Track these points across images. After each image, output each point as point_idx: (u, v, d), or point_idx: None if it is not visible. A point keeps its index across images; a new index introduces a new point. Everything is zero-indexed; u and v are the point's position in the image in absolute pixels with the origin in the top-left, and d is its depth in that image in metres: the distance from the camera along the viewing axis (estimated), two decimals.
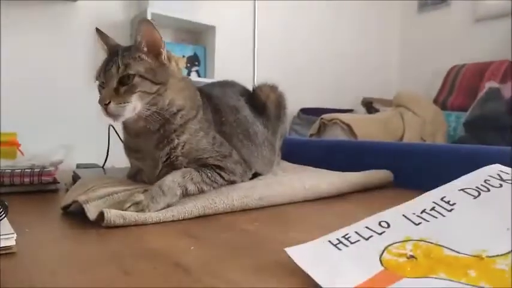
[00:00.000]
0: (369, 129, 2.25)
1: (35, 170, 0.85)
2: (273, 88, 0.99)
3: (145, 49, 0.71)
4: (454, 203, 0.52)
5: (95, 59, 2.35)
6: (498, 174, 0.55)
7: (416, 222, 0.50)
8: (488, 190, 0.53)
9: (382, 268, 0.45)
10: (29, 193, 0.84)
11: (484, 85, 2.38)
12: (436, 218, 0.50)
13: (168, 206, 0.63)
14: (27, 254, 0.45)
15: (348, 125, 2.23)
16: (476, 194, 0.53)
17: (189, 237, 0.53)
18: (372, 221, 0.51)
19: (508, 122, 1.99)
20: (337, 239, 0.49)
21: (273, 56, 2.86)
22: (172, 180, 0.66)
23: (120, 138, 0.84)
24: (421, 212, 0.52)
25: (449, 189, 0.54)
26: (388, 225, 0.51)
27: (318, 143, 1.28)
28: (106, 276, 0.39)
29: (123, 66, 0.68)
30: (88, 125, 2.01)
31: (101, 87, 0.70)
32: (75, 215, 0.62)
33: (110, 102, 0.66)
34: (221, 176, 0.74)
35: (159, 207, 0.61)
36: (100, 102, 0.67)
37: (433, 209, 0.52)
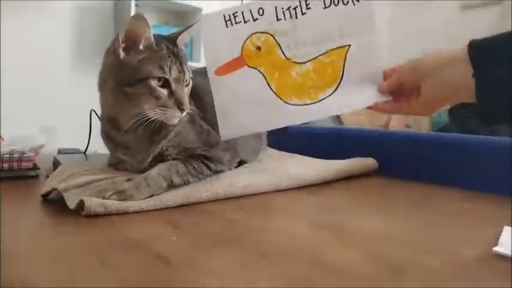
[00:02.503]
0: (354, 116, 2.25)
1: (14, 155, 0.83)
2: None
3: None
4: (309, 7, 0.60)
5: (76, 41, 2.30)
6: None
7: (279, 17, 0.60)
8: (336, 4, 0.60)
9: (240, 54, 0.59)
10: (8, 179, 0.82)
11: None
12: (291, 18, 0.60)
13: (152, 196, 0.61)
14: (4, 244, 0.44)
15: None
16: (328, 3, 0.60)
17: (171, 226, 0.52)
18: (255, 5, 0.60)
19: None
20: (229, 15, 0.59)
21: None
22: (158, 174, 0.64)
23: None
24: (287, 9, 0.60)
25: None
26: (263, 14, 0.60)
27: (302, 131, 1.27)
28: (84, 268, 0.38)
29: (188, 72, 0.68)
30: (70, 108, 1.97)
31: (167, 83, 0.65)
32: (55, 202, 0.61)
33: None
34: (208, 167, 0.73)
35: (143, 197, 0.60)
36: (186, 107, 0.65)
37: (295, 8, 0.60)
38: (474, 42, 0.54)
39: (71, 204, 0.56)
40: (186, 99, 0.67)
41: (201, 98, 0.79)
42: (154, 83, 0.64)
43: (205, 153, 0.74)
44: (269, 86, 0.61)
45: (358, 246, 0.47)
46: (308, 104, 0.61)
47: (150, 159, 0.71)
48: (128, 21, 0.63)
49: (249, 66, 0.60)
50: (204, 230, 0.52)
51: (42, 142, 1.00)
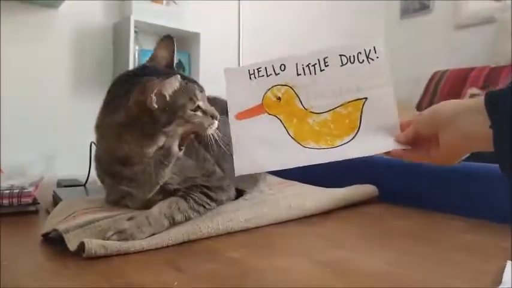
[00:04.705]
0: None
1: (14, 191, 0.83)
2: None
3: None
4: (328, 65, 0.66)
5: (77, 66, 2.32)
6: (371, 49, 0.65)
7: (299, 73, 0.66)
8: (353, 62, 0.65)
9: (260, 103, 0.65)
10: (8, 215, 0.81)
11: (466, 92, 2.42)
12: (310, 74, 0.65)
13: (153, 234, 0.61)
14: None
15: None
16: (345, 61, 0.65)
17: (173, 268, 0.52)
18: (278, 62, 0.66)
19: None
20: (253, 70, 0.66)
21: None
22: (159, 212, 0.64)
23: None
24: (306, 65, 0.66)
25: (332, 52, 0.67)
26: (284, 69, 0.66)
27: None
28: None
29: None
30: (70, 135, 1.97)
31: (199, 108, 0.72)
32: (55, 241, 0.61)
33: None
34: (209, 196, 0.73)
35: (144, 237, 0.60)
36: (217, 114, 0.74)
37: (314, 65, 0.66)
38: (491, 92, 0.54)
39: (72, 246, 0.56)
40: (213, 108, 0.75)
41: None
42: (190, 113, 0.69)
43: (205, 183, 0.75)
44: (287, 131, 0.65)
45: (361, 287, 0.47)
46: (325, 148, 0.64)
47: (158, 187, 0.71)
48: (166, 82, 0.65)
49: (269, 114, 0.65)
50: (206, 272, 0.51)
51: (41, 169, 1.00)
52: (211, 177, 0.77)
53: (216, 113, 0.74)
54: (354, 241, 0.68)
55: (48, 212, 0.80)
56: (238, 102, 0.66)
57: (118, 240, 0.58)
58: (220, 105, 0.96)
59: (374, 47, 0.64)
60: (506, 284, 0.45)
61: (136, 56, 2.31)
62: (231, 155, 0.85)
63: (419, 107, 2.70)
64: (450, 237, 0.68)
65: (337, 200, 0.86)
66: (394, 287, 0.47)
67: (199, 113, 0.71)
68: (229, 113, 0.67)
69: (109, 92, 0.72)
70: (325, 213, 0.82)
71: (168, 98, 0.66)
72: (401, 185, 0.98)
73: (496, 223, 0.72)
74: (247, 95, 0.66)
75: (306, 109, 0.65)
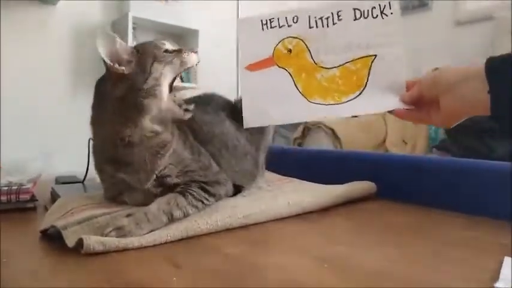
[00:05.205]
0: (352, 133, 2.26)
1: (12, 187, 0.83)
2: None
3: None
4: (341, 19, 0.66)
5: (75, 63, 2.32)
6: (386, 5, 0.66)
7: (311, 25, 0.66)
8: (366, 17, 0.66)
9: (271, 55, 0.66)
10: (6, 211, 0.81)
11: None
12: (322, 27, 0.66)
13: (152, 231, 0.61)
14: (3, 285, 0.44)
15: (331, 129, 2.24)
16: (358, 15, 0.66)
17: (171, 265, 0.52)
18: (291, 13, 0.67)
19: (487, 126, 2.03)
20: (266, 20, 0.68)
21: None
22: (158, 208, 0.64)
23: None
24: (319, 18, 0.67)
25: (346, 5, 0.67)
26: (297, 21, 0.66)
27: (300, 153, 1.28)
28: None
29: None
30: (68, 132, 1.97)
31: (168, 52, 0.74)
32: (53, 238, 0.61)
33: None
34: (206, 191, 0.73)
35: (143, 233, 0.60)
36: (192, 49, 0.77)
37: (327, 18, 0.66)
38: (492, 59, 0.56)
39: (70, 242, 0.56)
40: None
41: (201, 129, 0.80)
42: (161, 54, 0.71)
43: (203, 178, 0.75)
44: (295, 85, 0.67)
45: (358, 285, 0.46)
46: (331, 104, 0.66)
47: (154, 177, 0.71)
48: (98, 46, 0.67)
49: (279, 66, 0.67)
50: (204, 268, 0.51)
51: (40, 165, 1.00)
52: (207, 171, 0.77)
53: (192, 48, 0.76)
54: (353, 237, 0.68)
55: (46, 209, 0.80)
56: (249, 53, 0.69)
57: (116, 237, 0.58)
58: (217, 102, 0.96)
59: (389, 3, 0.65)
60: (505, 280, 0.45)
61: None
62: (227, 150, 0.85)
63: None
64: (449, 234, 0.68)
65: (336, 197, 0.86)
66: (392, 283, 0.47)
67: (172, 53, 0.73)
68: (239, 65, 0.68)
69: (95, 90, 0.75)
70: (324, 210, 0.82)
71: (127, 58, 0.69)
72: (399, 182, 0.98)
73: (495, 219, 0.72)
74: (259, 47, 0.69)
75: (315, 63, 0.66)
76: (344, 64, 0.65)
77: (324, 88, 0.66)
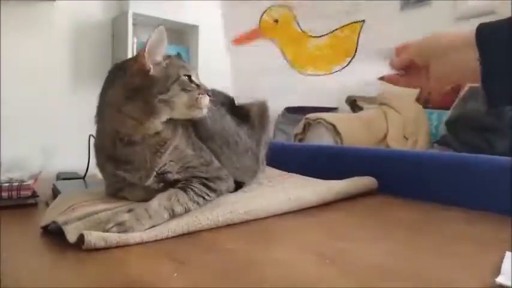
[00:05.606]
0: (353, 128, 2.26)
1: (13, 184, 0.83)
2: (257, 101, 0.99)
3: None
4: None
5: (75, 59, 2.31)
6: None
7: None
8: None
9: (257, 26, 0.62)
10: (7, 208, 0.81)
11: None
12: None
13: (153, 226, 0.61)
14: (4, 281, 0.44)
15: (332, 125, 2.23)
16: None
17: (172, 260, 0.52)
18: None
19: (488, 122, 2.02)
20: None
21: None
22: (159, 204, 0.64)
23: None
24: None
25: None
26: None
27: (301, 148, 1.27)
28: None
29: None
30: (69, 128, 1.97)
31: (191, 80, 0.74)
32: (54, 234, 0.61)
33: None
34: (208, 187, 0.73)
35: (143, 229, 0.60)
36: (209, 92, 0.75)
37: None
38: (482, 26, 0.55)
39: (71, 238, 0.56)
40: (204, 84, 0.76)
41: (202, 125, 0.80)
42: (184, 78, 0.71)
43: (204, 174, 0.75)
44: (284, 56, 0.68)
45: (359, 280, 0.46)
46: (322, 75, 0.66)
47: (154, 174, 0.71)
48: (152, 37, 0.68)
49: (266, 37, 0.67)
50: (205, 263, 0.51)
51: (41, 162, 1.00)
52: (209, 167, 0.77)
53: (208, 90, 0.75)
54: (354, 233, 0.68)
55: (47, 205, 0.80)
56: (234, 26, 0.68)
57: (117, 233, 0.57)
58: (217, 97, 0.95)
59: None
60: (505, 276, 0.45)
61: (135, 48, 2.30)
62: (229, 147, 0.85)
63: (419, 99, 2.69)
64: (450, 228, 0.68)
65: (337, 192, 0.86)
66: (394, 278, 0.47)
67: (193, 85, 0.73)
68: (225, 39, 0.67)
69: (107, 77, 0.73)
70: (325, 205, 0.82)
71: (163, 63, 0.70)
72: (401, 177, 0.98)
73: (496, 214, 0.72)
74: (244, 18, 0.67)
75: (304, 32, 0.65)
76: (333, 31, 0.64)
77: (315, 57, 0.65)
